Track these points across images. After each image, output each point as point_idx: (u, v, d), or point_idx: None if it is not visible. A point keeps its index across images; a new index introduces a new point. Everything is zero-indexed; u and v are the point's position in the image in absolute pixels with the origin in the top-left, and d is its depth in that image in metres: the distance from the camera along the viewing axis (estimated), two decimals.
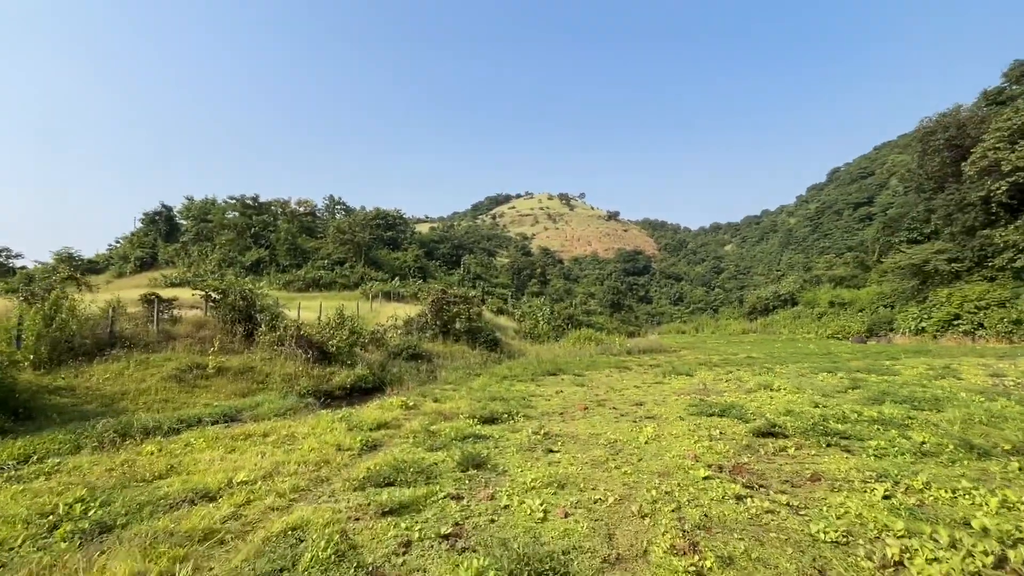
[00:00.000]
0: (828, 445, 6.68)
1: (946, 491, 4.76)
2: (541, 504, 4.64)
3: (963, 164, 29.85)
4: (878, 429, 7.25)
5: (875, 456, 6.09)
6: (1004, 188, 27.06)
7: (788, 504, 4.63)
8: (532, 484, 5.27)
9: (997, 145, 27.40)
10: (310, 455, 6.65)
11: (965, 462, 5.76)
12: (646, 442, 7.09)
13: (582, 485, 5.26)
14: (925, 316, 30.39)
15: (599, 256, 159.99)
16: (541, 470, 5.76)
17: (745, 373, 15.77)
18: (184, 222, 59.62)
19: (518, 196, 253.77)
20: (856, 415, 8.13)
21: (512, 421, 8.88)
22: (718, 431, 7.63)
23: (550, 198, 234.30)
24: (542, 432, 7.77)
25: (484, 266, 78.88)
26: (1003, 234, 27.98)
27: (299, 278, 49.53)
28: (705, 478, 5.33)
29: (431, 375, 19.34)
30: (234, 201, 58.68)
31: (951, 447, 6.22)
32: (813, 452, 6.39)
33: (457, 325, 30.00)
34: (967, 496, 4.64)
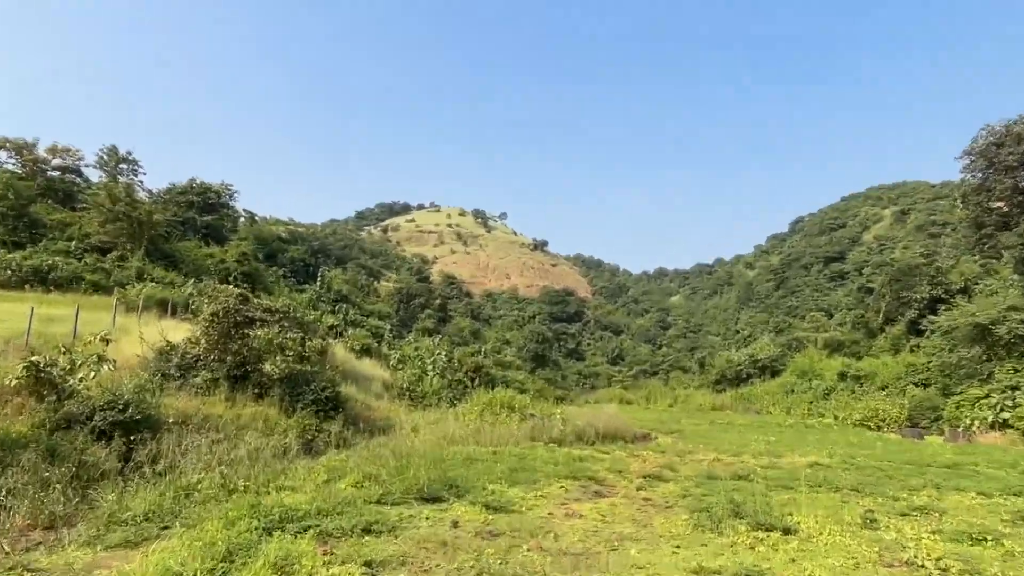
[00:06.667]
0: None
1: None
2: None
3: None
4: None
5: None
6: None
7: None
8: None
9: None
10: None
11: None
12: None
13: None
14: (1007, 403, 25.45)
15: (519, 293, 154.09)
16: None
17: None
18: None
19: (420, 207, 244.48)
20: None
21: None
22: None
23: (462, 214, 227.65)
24: None
25: (355, 285, 67.39)
26: None
27: (9, 264, 35.82)
28: None
29: (71, 495, 8.45)
30: None
31: None
32: None
33: (267, 367, 20.24)
34: None
